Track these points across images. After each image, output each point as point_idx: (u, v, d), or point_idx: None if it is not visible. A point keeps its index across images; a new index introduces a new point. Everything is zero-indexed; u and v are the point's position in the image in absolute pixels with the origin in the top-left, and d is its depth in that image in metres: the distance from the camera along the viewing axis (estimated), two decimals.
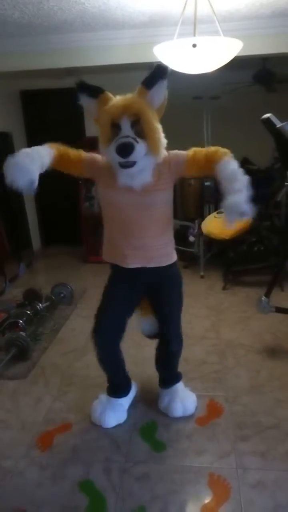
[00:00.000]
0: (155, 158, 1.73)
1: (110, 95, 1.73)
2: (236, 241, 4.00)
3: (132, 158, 1.64)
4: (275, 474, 1.82)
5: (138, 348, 2.69)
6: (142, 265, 1.90)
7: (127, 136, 1.63)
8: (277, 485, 1.76)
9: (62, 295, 3.72)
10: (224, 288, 4.00)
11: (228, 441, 2.03)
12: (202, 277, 4.30)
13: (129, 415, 2.23)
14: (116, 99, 1.70)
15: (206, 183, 4.47)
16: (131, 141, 1.62)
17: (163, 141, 1.75)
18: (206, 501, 1.72)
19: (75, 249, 5.27)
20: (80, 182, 4.69)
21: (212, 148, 1.75)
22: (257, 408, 2.25)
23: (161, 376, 2.29)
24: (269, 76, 4.77)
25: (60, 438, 2.11)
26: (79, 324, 3.35)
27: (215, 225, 3.91)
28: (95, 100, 1.72)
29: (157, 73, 1.64)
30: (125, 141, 1.62)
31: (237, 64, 2.85)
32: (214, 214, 4.16)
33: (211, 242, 4.43)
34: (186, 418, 2.19)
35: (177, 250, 2.05)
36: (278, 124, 2.53)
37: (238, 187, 1.57)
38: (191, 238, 4.41)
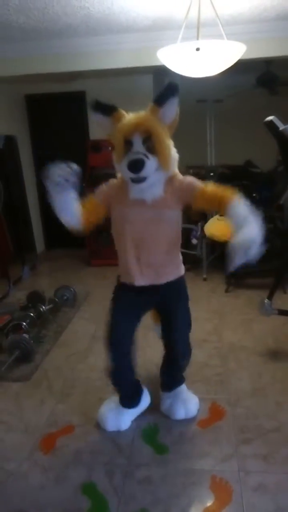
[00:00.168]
0: (166, 173, 1.78)
1: (123, 112, 1.78)
2: None
3: (143, 173, 1.70)
4: (277, 478, 1.81)
5: (140, 350, 2.68)
6: (151, 282, 1.92)
7: (138, 152, 1.69)
8: (279, 489, 1.76)
9: (65, 297, 3.73)
10: (226, 291, 4.00)
11: (230, 444, 2.03)
12: (205, 279, 4.30)
13: None
14: (129, 117, 1.75)
15: None
16: (142, 157, 1.68)
17: (175, 156, 1.80)
18: (208, 504, 1.72)
19: (78, 252, 5.29)
20: (83, 185, 4.71)
21: (220, 189, 1.75)
22: (259, 411, 2.25)
23: (163, 382, 2.28)
24: (272, 79, 4.79)
25: (62, 440, 2.11)
26: (82, 326, 3.35)
27: (218, 227, 3.91)
28: (108, 117, 1.77)
29: (168, 91, 1.69)
30: (136, 158, 1.68)
31: (241, 67, 2.87)
32: (217, 216, 4.16)
33: (214, 245, 4.43)
34: (188, 421, 2.19)
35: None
36: (281, 127, 2.53)
37: (249, 231, 1.58)
38: (194, 241, 4.41)
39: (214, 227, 3.99)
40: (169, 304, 2.03)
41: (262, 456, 1.94)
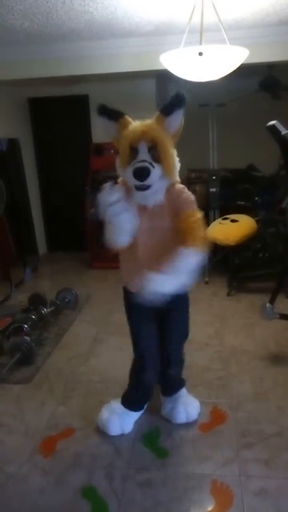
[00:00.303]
0: (169, 181, 1.81)
1: (130, 119, 1.79)
2: (241, 247, 4.00)
3: (148, 182, 1.71)
4: (278, 482, 1.81)
5: None
6: None
7: (144, 161, 1.71)
8: (280, 493, 1.75)
9: (66, 300, 3.74)
10: (228, 294, 4.00)
11: (231, 448, 2.02)
12: (206, 283, 4.29)
13: None
14: (135, 124, 1.77)
15: (212, 189, 4.48)
16: (148, 166, 1.69)
17: (177, 165, 1.83)
18: (209, 508, 1.71)
19: (80, 254, 5.30)
20: (86, 188, 4.73)
21: (191, 228, 1.77)
22: (260, 415, 2.24)
23: (163, 387, 2.28)
24: (275, 83, 4.80)
25: (63, 443, 2.11)
26: (84, 329, 3.35)
27: (220, 231, 3.92)
28: (115, 123, 1.78)
29: (175, 102, 1.71)
30: (142, 166, 1.70)
31: (243, 71, 2.88)
32: (219, 220, 4.17)
33: (216, 248, 4.43)
34: (189, 425, 2.18)
35: None
36: (284, 131, 2.54)
37: (167, 281, 1.70)
38: None
39: (216, 231, 3.99)
40: (170, 314, 2.03)
41: (263, 460, 1.93)
